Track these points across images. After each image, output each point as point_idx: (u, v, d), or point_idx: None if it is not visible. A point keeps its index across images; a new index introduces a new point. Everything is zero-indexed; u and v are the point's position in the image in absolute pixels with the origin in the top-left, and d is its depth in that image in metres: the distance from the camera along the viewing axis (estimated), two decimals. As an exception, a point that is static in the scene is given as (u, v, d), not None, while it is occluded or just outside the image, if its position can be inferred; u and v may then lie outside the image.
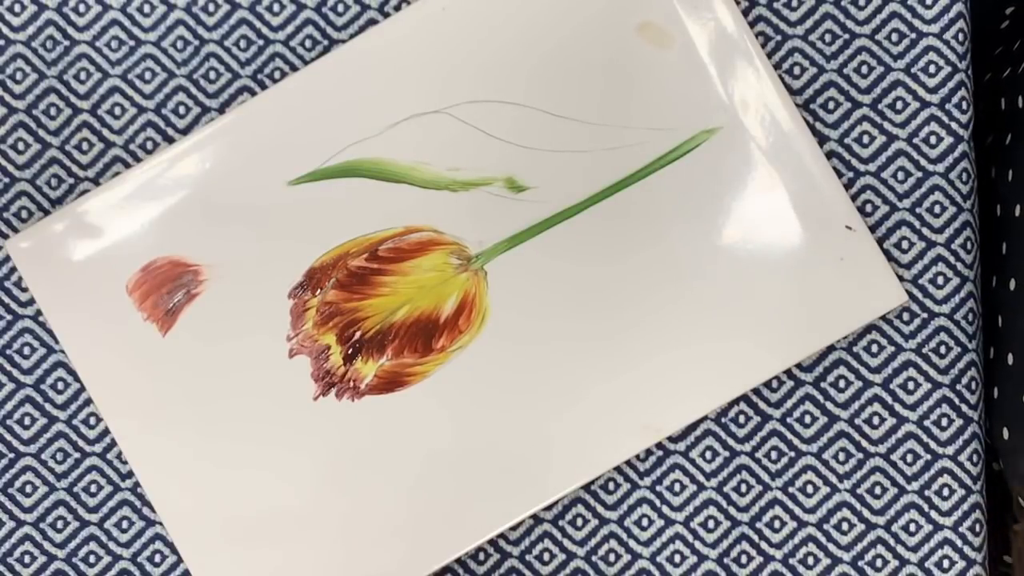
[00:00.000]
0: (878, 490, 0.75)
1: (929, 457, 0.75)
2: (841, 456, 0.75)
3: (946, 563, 0.75)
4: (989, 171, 0.78)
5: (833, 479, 0.75)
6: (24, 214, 0.76)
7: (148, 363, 0.75)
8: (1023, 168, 0.75)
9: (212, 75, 0.76)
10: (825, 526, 0.76)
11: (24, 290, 0.76)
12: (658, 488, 0.76)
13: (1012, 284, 0.75)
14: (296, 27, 0.76)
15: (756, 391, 0.76)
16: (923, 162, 0.75)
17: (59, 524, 0.76)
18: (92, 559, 0.76)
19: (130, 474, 0.76)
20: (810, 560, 0.76)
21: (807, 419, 0.76)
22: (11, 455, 0.76)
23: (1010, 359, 0.75)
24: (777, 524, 0.76)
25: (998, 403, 0.76)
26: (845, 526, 0.76)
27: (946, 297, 0.75)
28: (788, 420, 0.76)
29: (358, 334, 0.75)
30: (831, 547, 0.76)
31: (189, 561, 0.74)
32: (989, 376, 0.76)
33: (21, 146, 0.77)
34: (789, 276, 0.74)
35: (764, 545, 0.76)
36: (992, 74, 0.77)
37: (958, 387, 0.75)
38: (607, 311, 0.74)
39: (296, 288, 0.75)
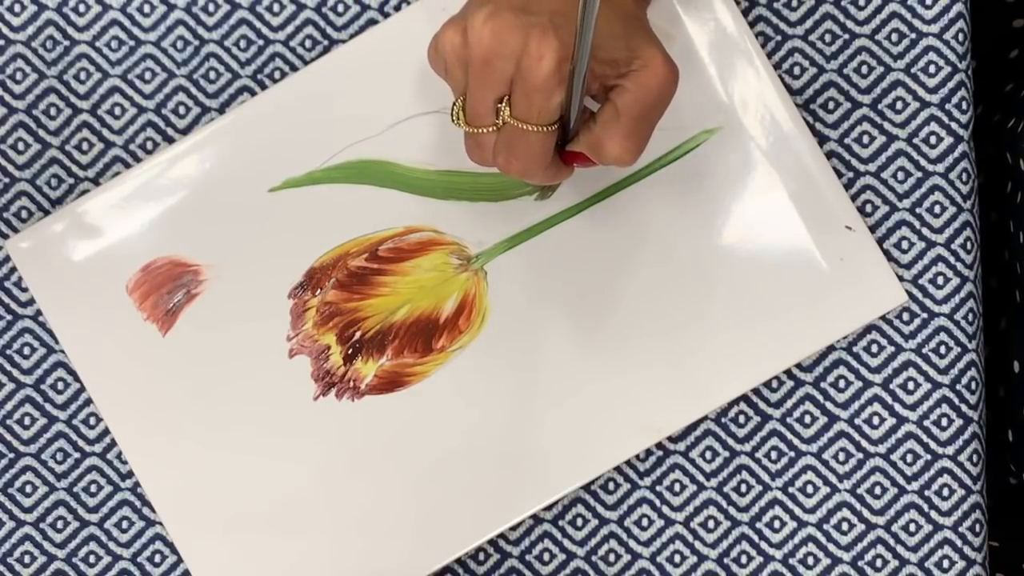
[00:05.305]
0: (878, 490, 0.75)
1: (929, 457, 0.75)
2: (841, 456, 0.75)
3: (946, 563, 0.75)
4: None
5: (833, 479, 0.75)
6: (24, 214, 0.76)
7: (148, 363, 0.75)
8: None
9: (212, 75, 0.76)
10: (825, 526, 0.76)
11: (24, 290, 0.76)
12: (658, 488, 0.76)
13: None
14: (296, 27, 0.76)
15: (756, 391, 0.76)
16: (923, 162, 0.75)
17: (59, 524, 0.76)
18: (92, 559, 0.76)
19: (130, 474, 0.76)
20: (810, 560, 0.76)
21: (807, 419, 0.76)
22: (11, 455, 0.76)
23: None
24: (777, 524, 0.76)
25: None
26: (845, 526, 0.76)
27: (946, 297, 0.75)
28: (788, 420, 0.76)
29: (358, 334, 0.75)
30: (831, 547, 0.76)
31: (189, 561, 0.74)
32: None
33: (21, 146, 0.77)
34: (789, 276, 0.74)
35: (764, 545, 0.76)
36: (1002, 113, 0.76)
37: (958, 387, 0.75)
38: (607, 311, 0.74)
39: (296, 288, 0.75)
